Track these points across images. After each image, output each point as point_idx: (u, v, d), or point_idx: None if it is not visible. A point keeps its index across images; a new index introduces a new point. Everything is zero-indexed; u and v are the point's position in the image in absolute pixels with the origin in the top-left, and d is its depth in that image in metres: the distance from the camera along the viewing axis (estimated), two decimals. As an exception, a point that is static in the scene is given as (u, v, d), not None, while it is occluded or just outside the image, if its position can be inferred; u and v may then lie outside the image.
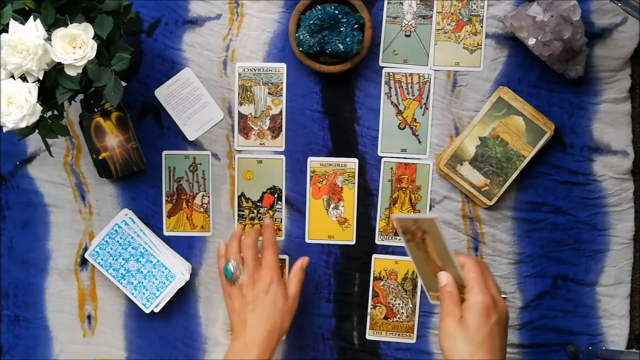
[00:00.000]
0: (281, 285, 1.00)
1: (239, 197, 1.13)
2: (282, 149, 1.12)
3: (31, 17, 0.82)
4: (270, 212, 1.12)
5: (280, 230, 1.13)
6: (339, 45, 1.05)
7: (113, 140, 1.08)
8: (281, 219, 1.12)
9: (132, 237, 1.12)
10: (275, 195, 1.12)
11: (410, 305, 1.13)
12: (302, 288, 1.10)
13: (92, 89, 0.91)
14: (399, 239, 1.12)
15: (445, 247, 0.87)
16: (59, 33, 0.83)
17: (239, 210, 1.12)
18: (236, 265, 1.00)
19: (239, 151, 1.13)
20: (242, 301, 0.99)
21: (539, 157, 1.10)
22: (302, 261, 1.05)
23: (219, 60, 1.12)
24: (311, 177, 1.12)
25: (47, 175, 1.13)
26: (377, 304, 1.13)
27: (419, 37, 1.11)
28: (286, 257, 1.13)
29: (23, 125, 0.83)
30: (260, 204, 1.12)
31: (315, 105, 1.12)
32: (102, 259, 1.11)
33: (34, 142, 1.13)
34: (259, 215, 1.12)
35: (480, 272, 0.87)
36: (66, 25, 0.84)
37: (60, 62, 0.83)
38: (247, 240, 1.02)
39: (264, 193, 1.12)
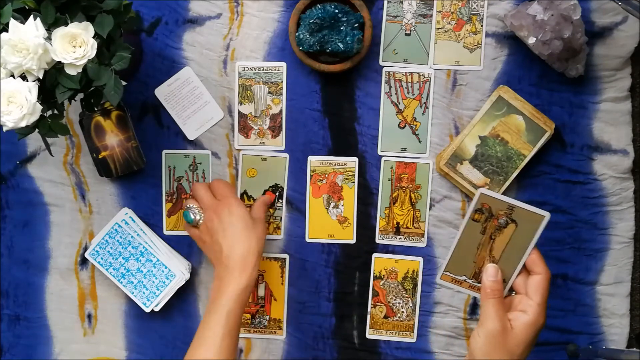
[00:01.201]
0: (242, 206, 1.01)
1: (242, 194, 1.13)
2: (282, 148, 1.12)
3: (31, 16, 0.82)
4: (270, 210, 1.12)
5: (279, 228, 1.12)
6: (339, 44, 1.05)
7: (113, 139, 1.08)
8: (281, 217, 1.12)
9: (132, 236, 1.12)
10: (277, 194, 1.12)
11: (411, 305, 1.13)
12: (302, 287, 1.11)
13: (92, 88, 0.91)
14: (399, 237, 1.12)
15: (527, 247, 0.85)
16: (59, 32, 0.82)
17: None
18: (193, 209, 1.04)
19: (239, 150, 1.13)
20: (211, 233, 1.00)
21: (539, 156, 1.10)
22: (266, 197, 1.11)
23: (219, 59, 1.12)
24: (311, 176, 1.12)
25: (47, 174, 1.13)
26: (377, 303, 1.13)
27: (419, 36, 1.11)
28: (286, 256, 1.13)
29: (23, 124, 0.83)
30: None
31: (315, 105, 1.12)
32: (102, 258, 1.11)
33: (34, 141, 1.13)
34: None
35: (548, 291, 0.84)
36: (66, 24, 0.84)
37: (60, 61, 0.83)
38: (195, 186, 1.06)
39: (265, 191, 1.12)
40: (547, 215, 0.82)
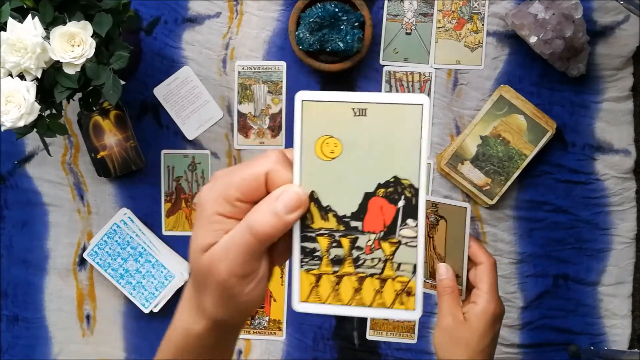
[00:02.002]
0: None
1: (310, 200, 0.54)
2: (282, 148, 1.12)
3: (29, 15, 0.82)
4: (385, 245, 0.52)
5: (411, 294, 0.52)
6: (339, 43, 1.04)
7: (112, 139, 1.07)
8: (413, 265, 0.51)
9: (130, 237, 1.11)
10: (401, 204, 0.51)
11: (411, 305, 1.12)
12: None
13: (91, 88, 0.91)
14: None
15: (463, 238, 0.85)
16: (58, 31, 0.82)
17: (302, 240, 0.53)
18: None
19: (239, 151, 1.12)
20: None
21: (541, 156, 1.10)
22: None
23: (219, 58, 1.12)
24: (311, 176, 1.11)
25: (45, 174, 1.13)
26: (378, 304, 1.12)
27: (419, 35, 1.11)
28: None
29: (21, 124, 0.83)
30: (359, 222, 0.52)
31: (315, 104, 1.11)
32: (100, 259, 1.11)
33: (32, 141, 1.13)
34: (354, 252, 0.52)
35: (496, 277, 0.85)
36: (65, 23, 0.83)
37: (58, 61, 0.83)
38: None
39: (369, 195, 0.51)
40: (467, 206, 0.83)
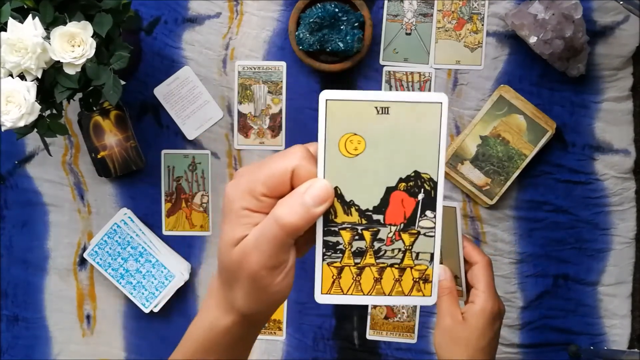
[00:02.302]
0: None
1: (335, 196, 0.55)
2: (282, 147, 1.12)
3: (30, 16, 0.82)
4: (405, 236, 0.54)
5: (428, 281, 0.55)
6: (339, 43, 1.04)
7: (112, 139, 1.07)
8: (431, 255, 0.55)
9: (131, 237, 1.11)
10: (422, 198, 0.54)
11: (411, 305, 1.13)
12: (302, 287, 1.10)
13: (91, 88, 0.91)
14: None
15: (457, 238, 0.85)
16: (58, 31, 0.82)
17: (325, 234, 0.54)
18: None
19: (239, 150, 1.12)
20: None
21: (540, 156, 1.10)
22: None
23: (219, 58, 1.12)
24: (311, 176, 1.11)
25: (45, 174, 1.13)
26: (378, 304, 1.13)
27: (419, 35, 1.11)
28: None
29: (22, 124, 0.83)
30: (381, 216, 0.54)
31: (315, 104, 1.11)
32: (101, 259, 1.11)
33: (32, 141, 1.13)
34: (376, 244, 0.54)
35: (492, 276, 0.85)
36: (65, 23, 0.83)
37: (59, 61, 0.83)
38: None
39: (390, 190, 0.53)
40: (456, 205, 0.83)
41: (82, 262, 1.13)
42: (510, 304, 1.12)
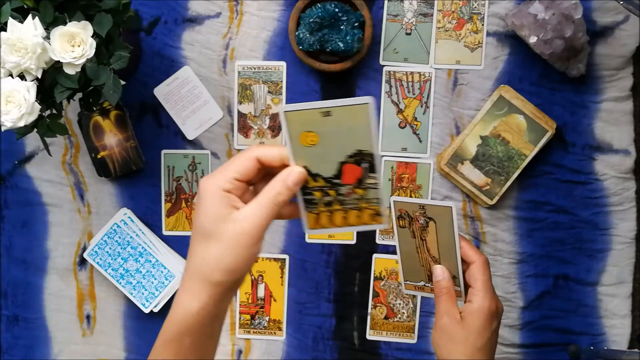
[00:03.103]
0: None
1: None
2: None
3: (30, 16, 0.82)
4: (357, 190, 0.75)
5: (379, 215, 0.77)
6: (339, 43, 1.04)
7: (112, 139, 1.07)
8: (378, 199, 0.76)
9: (131, 237, 1.11)
10: (365, 165, 0.73)
11: (411, 305, 1.13)
12: (302, 288, 1.10)
13: (91, 88, 0.91)
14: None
15: (453, 238, 0.85)
16: (58, 31, 0.82)
17: (304, 194, 0.76)
18: None
19: (239, 150, 1.12)
20: None
21: (541, 156, 1.10)
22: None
23: (219, 58, 1.12)
24: (311, 176, 1.12)
25: (45, 174, 1.13)
26: (378, 304, 1.13)
27: (419, 35, 1.11)
28: (286, 256, 1.13)
29: (21, 124, 0.83)
30: (339, 179, 0.75)
31: (315, 104, 1.11)
32: (100, 259, 1.11)
33: (32, 141, 1.13)
34: (339, 197, 0.75)
35: (489, 275, 0.86)
36: (65, 23, 0.83)
37: (59, 61, 0.83)
38: None
39: (342, 163, 0.73)
40: (452, 205, 0.83)
41: (82, 262, 1.13)
42: (510, 304, 1.12)
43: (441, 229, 0.85)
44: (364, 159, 0.73)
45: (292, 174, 0.72)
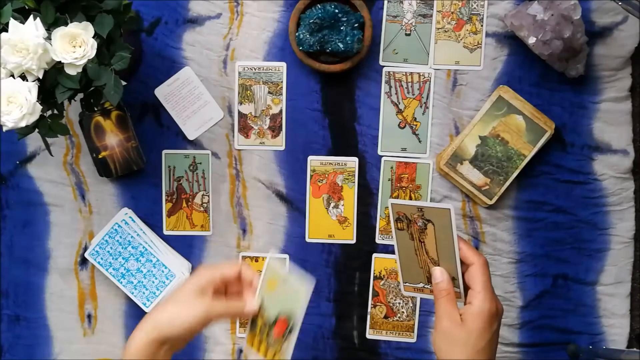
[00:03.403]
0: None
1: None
2: (283, 148, 1.12)
3: (31, 16, 0.82)
4: (279, 339, 0.90)
5: None
6: (339, 44, 1.04)
7: (113, 139, 1.08)
8: (288, 353, 0.89)
9: (132, 237, 1.12)
10: (291, 325, 0.88)
11: (411, 305, 1.13)
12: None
13: (92, 88, 0.91)
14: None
15: (452, 239, 0.85)
16: (59, 32, 0.82)
17: (251, 320, 0.90)
18: None
19: (239, 151, 1.12)
20: None
21: (540, 156, 1.10)
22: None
23: (219, 59, 1.12)
24: (311, 176, 1.12)
25: (47, 174, 1.13)
26: (377, 303, 1.13)
27: (419, 36, 1.11)
28: (286, 256, 1.13)
29: (23, 124, 0.83)
30: (272, 329, 0.90)
31: (315, 104, 1.12)
32: (102, 258, 1.11)
33: (33, 141, 1.13)
34: (268, 338, 0.90)
35: (489, 276, 0.85)
36: (66, 24, 0.84)
37: (60, 61, 0.83)
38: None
39: (277, 317, 0.89)
40: (450, 207, 0.83)
41: (83, 261, 1.14)
42: (509, 303, 1.12)
43: (440, 230, 0.85)
44: (291, 321, 0.89)
45: (251, 306, 0.88)
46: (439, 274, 0.87)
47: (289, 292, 0.89)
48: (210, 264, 0.94)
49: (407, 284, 0.92)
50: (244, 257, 1.13)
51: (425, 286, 0.91)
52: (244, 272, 0.89)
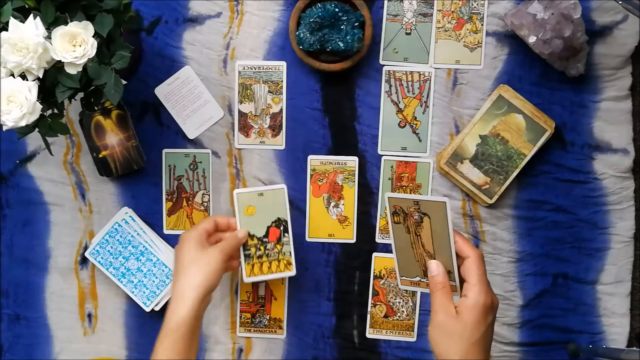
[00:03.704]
0: (189, 239, 1.00)
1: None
2: (283, 147, 1.12)
3: (31, 15, 0.82)
4: (278, 246, 1.04)
5: (290, 264, 1.05)
6: (340, 43, 1.04)
7: (113, 138, 1.08)
8: (290, 252, 1.04)
9: (132, 236, 1.12)
10: (282, 228, 1.04)
11: (411, 304, 1.13)
12: (302, 286, 1.11)
13: (92, 87, 0.91)
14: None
15: (448, 233, 0.85)
16: (59, 31, 0.82)
17: (244, 250, 1.03)
18: None
19: (240, 150, 1.12)
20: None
21: (540, 155, 1.10)
22: (240, 235, 1.04)
23: (219, 58, 1.12)
24: (311, 175, 1.12)
25: (47, 173, 1.13)
26: (377, 303, 1.13)
27: (419, 35, 1.11)
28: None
29: (23, 123, 0.83)
30: (266, 239, 1.04)
31: (315, 104, 1.12)
32: (102, 258, 1.11)
33: (34, 140, 1.13)
34: (266, 252, 1.04)
35: (484, 269, 0.86)
36: (66, 23, 0.84)
37: (60, 61, 0.83)
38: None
39: (269, 227, 1.04)
40: (445, 200, 0.84)
41: (84, 261, 1.14)
42: (509, 302, 1.12)
43: (435, 224, 0.86)
44: (281, 223, 1.04)
45: (240, 232, 1.03)
46: (435, 267, 0.87)
47: (268, 203, 1.04)
48: (193, 227, 1.02)
49: (403, 277, 0.92)
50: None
51: (422, 280, 0.91)
52: (220, 220, 1.04)
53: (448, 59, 1.11)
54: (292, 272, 1.05)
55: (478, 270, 0.85)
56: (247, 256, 1.04)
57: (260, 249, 1.04)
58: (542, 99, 1.11)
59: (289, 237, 1.04)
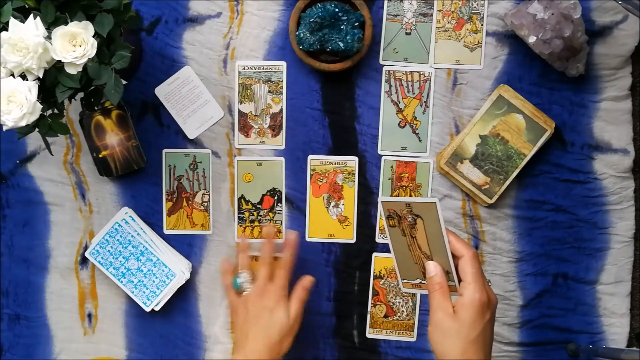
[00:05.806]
0: (285, 306, 1.01)
1: (239, 199, 1.13)
2: (283, 147, 1.12)
3: (31, 15, 0.82)
4: (270, 214, 1.12)
5: (280, 232, 1.13)
6: (340, 43, 1.04)
7: (113, 138, 1.08)
8: (281, 221, 1.13)
9: (132, 236, 1.12)
10: (275, 197, 1.13)
11: (411, 304, 1.13)
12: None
13: (93, 87, 0.91)
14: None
15: (441, 233, 0.86)
16: (59, 31, 0.82)
17: (239, 213, 1.12)
18: (247, 279, 1.04)
19: (240, 150, 1.13)
20: (246, 315, 1.01)
21: (540, 155, 1.10)
22: (305, 281, 1.05)
23: (219, 58, 1.12)
24: (311, 175, 1.12)
25: (47, 173, 1.13)
26: (377, 303, 1.13)
27: (419, 35, 1.11)
28: None
29: (23, 123, 0.83)
30: (260, 206, 1.13)
31: (315, 104, 1.12)
32: (102, 258, 1.11)
33: (34, 140, 1.13)
34: (259, 217, 1.12)
35: (479, 267, 0.86)
36: (66, 23, 0.84)
37: (60, 61, 0.83)
38: (265, 256, 1.05)
39: (263, 195, 1.13)
40: (435, 200, 0.85)
41: (84, 261, 1.14)
42: (509, 302, 1.12)
43: (429, 225, 0.86)
44: (276, 193, 1.12)
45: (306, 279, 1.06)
46: (432, 268, 0.88)
47: (266, 172, 1.11)
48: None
49: (405, 280, 0.93)
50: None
51: (422, 282, 0.91)
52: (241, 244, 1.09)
53: (448, 59, 1.11)
54: (281, 239, 1.12)
55: (472, 269, 0.85)
56: (240, 218, 1.12)
57: (253, 214, 1.12)
58: (542, 99, 1.11)
59: (281, 207, 1.12)
